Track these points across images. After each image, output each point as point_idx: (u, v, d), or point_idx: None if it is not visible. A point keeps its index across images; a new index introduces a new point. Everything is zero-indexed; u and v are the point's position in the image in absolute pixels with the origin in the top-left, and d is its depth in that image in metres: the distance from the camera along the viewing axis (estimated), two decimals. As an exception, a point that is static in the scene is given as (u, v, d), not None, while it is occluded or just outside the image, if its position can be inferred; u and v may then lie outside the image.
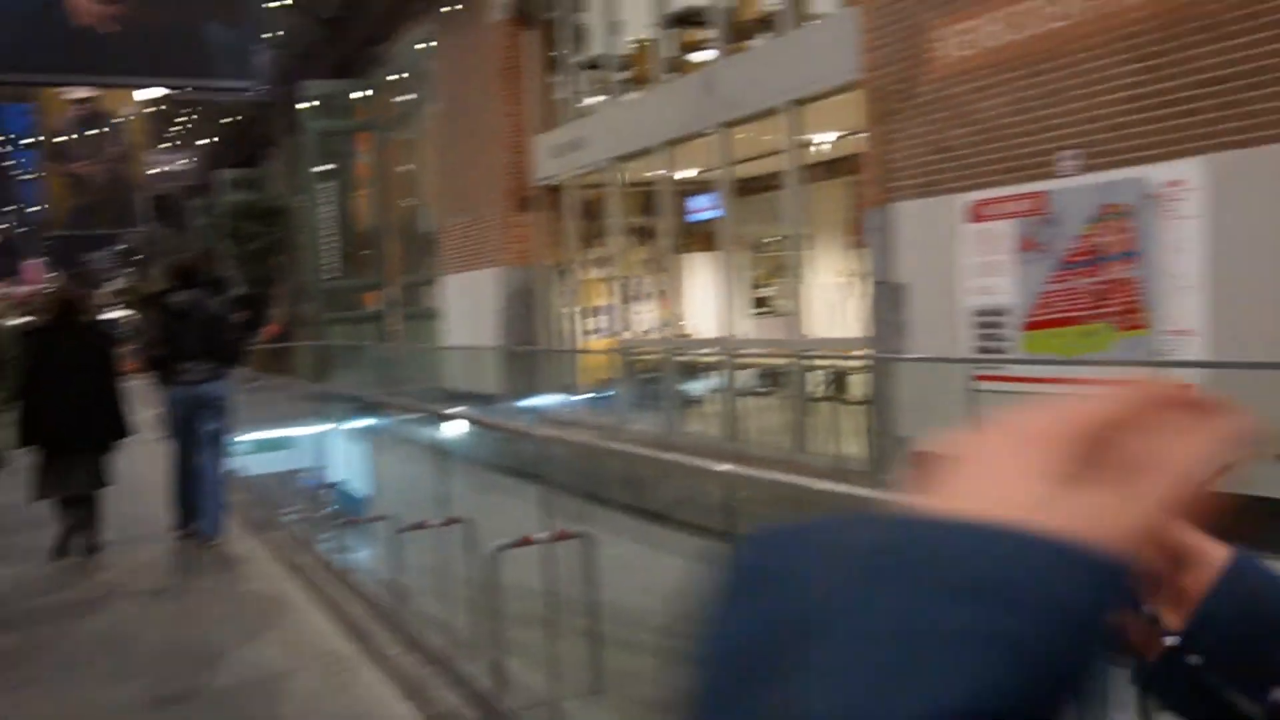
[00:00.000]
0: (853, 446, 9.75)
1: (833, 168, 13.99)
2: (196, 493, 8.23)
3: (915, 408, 8.62)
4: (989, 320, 7.93)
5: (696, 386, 12.78)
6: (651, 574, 6.27)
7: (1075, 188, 7.25)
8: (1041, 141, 7.46)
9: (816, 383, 12.22)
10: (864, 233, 9.31)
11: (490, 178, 15.45)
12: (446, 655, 5.79)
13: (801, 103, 10.25)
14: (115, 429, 8.23)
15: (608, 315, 16.85)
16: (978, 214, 7.95)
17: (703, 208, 17.05)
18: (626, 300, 13.79)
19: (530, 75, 15.15)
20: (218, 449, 8.41)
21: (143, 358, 8.36)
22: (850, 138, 12.22)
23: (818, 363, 11.21)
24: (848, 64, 9.43)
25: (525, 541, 5.43)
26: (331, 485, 9.91)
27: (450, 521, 6.55)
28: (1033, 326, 7.63)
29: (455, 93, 16.65)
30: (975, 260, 8.00)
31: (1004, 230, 7.75)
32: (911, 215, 8.55)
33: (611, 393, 13.96)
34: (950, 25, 8.11)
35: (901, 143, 8.62)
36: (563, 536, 5.46)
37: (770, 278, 17.57)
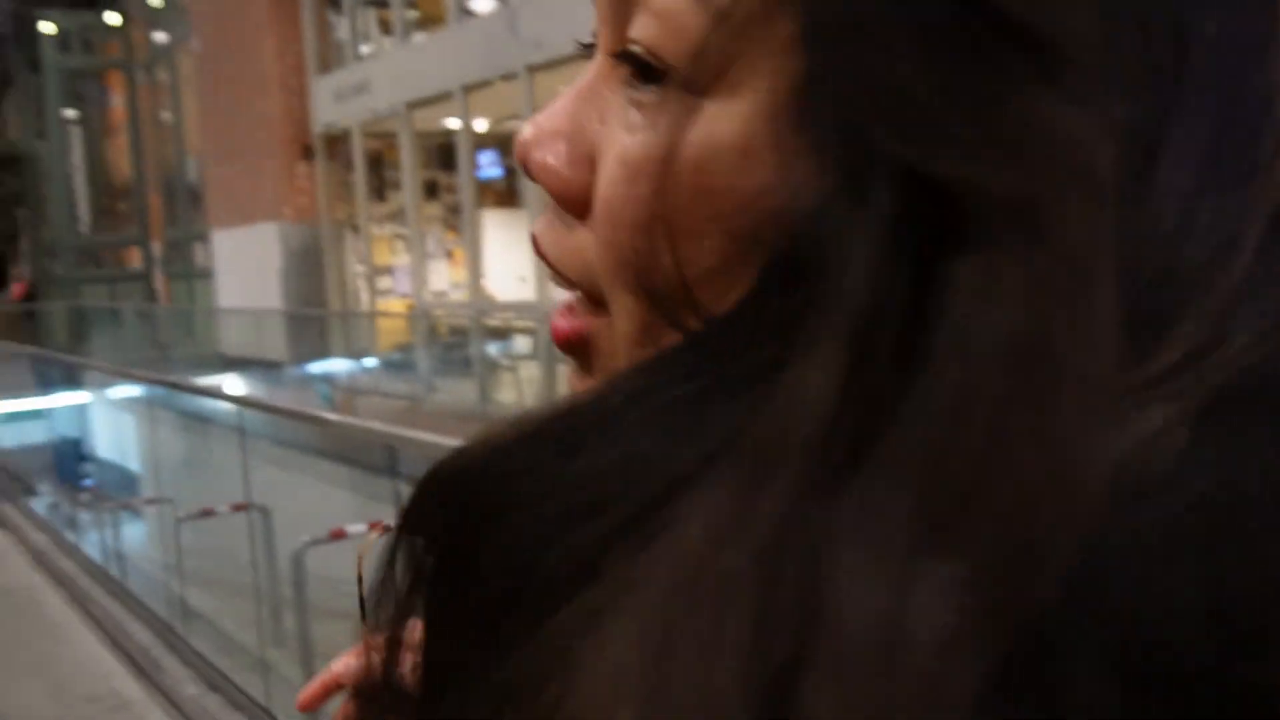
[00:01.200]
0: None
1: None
2: None
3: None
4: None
5: (506, 350, 11.98)
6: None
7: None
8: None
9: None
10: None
11: (264, 124, 14.10)
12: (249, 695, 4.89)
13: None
14: None
15: (403, 275, 15.82)
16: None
17: (490, 164, 16.15)
18: (422, 259, 12.81)
19: (306, 11, 13.83)
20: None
21: None
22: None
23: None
24: None
25: (337, 535, 4.60)
26: (88, 460, 8.84)
27: (240, 507, 5.64)
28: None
29: (219, 29, 15.12)
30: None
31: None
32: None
33: (407, 359, 13.02)
34: None
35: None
36: (380, 528, 4.65)
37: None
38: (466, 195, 11.65)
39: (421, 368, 12.32)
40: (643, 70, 0.33)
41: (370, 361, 13.58)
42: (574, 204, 0.36)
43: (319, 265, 14.05)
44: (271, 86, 13.80)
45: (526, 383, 11.34)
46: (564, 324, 0.38)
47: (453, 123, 14.29)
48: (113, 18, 18.12)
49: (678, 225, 0.32)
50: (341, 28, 14.05)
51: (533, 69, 10.41)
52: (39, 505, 8.65)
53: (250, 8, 14.04)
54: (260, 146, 14.20)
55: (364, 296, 14.67)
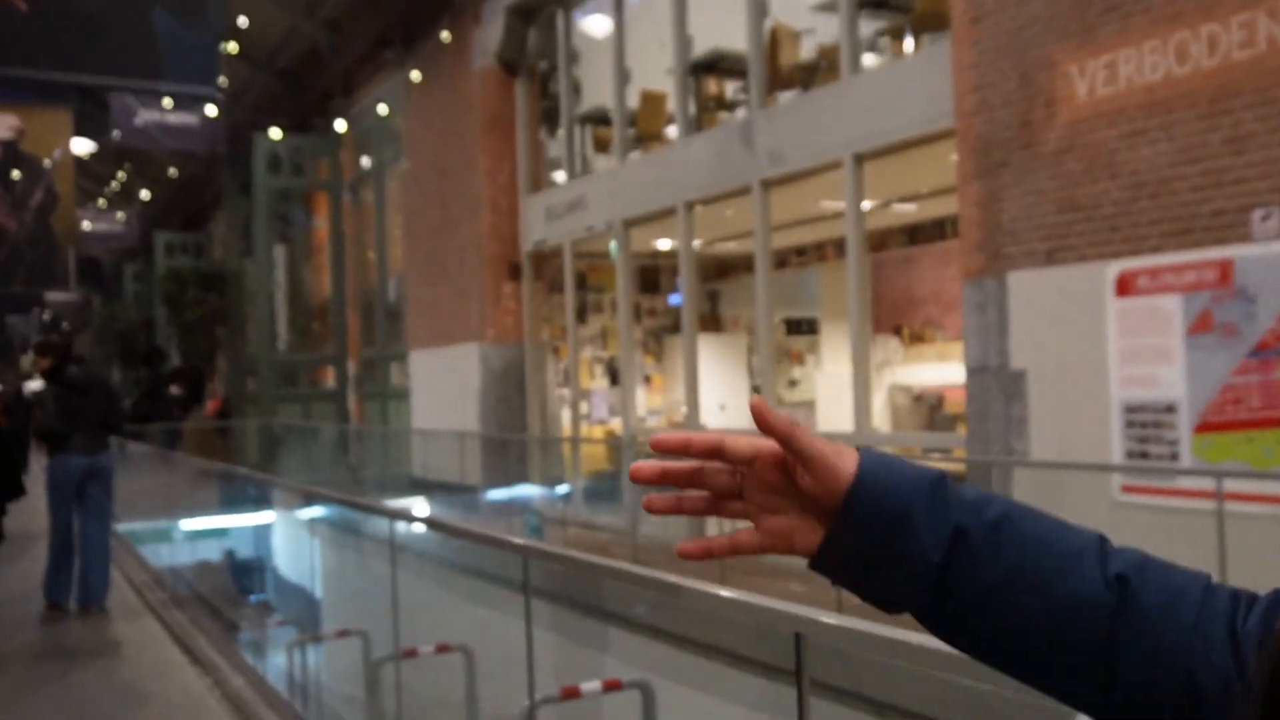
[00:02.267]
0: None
1: (883, 236, 12.60)
2: (86, 560, 8.02)
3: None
4: (1146, 419, 6.38)
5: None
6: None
7: (1276, 254, 5.77)
8: (1224, 197, 5.99)
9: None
10: (963, 309, 7.77)
11: (472, 244, 13.80)
12: None
13: (866, 157, 8.77)
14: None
15: (600, 400, 15.22)
16: (1131, 286, 6.44)
17: (677, 294, 15.57)
18: (633, 383, 12.14)
19: (520, 130, 13.60)
20: (104, 518, 8.30)
21: (40, 428, 8.36)
22: (917, 198, 10.85)
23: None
24: (931, 109, 7.98)
25: (569, 694, 3.80)
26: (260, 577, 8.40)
27: (444, 649, 5.10)
28: (1211, 428, 6.08)
29: (429, 150, 15.04)
30: (1127, 343, 6.47)
31: (1169, 307, 6.24)
32: (1033, 287, 7.03)
33: (611, 487, 12.27)
34: (1088, 59, 6.66)
35: (1017, 200, 7.12)
36: (614, 686, 3.86)
37: (783, 365, 16.08)
38: (687, 317, 10.94)
39: (627, 498, 11.52)
40: None
41: (566, 489, 12.89)
42: None
43: (519, 387, 13.52)
44: (482, 206, 13.52)
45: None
46: None
47: (662, 243, 13.78)
48: (322, 143, 18.40)
49: None
50: (555, 146, 13.76)
51: (768, 184, 9.75)
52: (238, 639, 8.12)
53: (464, 129, 13.89)
54: (466, 267, 13.89)
55: (564, 420, 14.07)
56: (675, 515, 0.91)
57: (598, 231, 12.12)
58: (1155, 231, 6.32)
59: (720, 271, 15.93)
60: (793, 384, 16.14)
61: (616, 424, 15.42)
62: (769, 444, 0.85)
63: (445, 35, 13.23)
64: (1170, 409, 6.24)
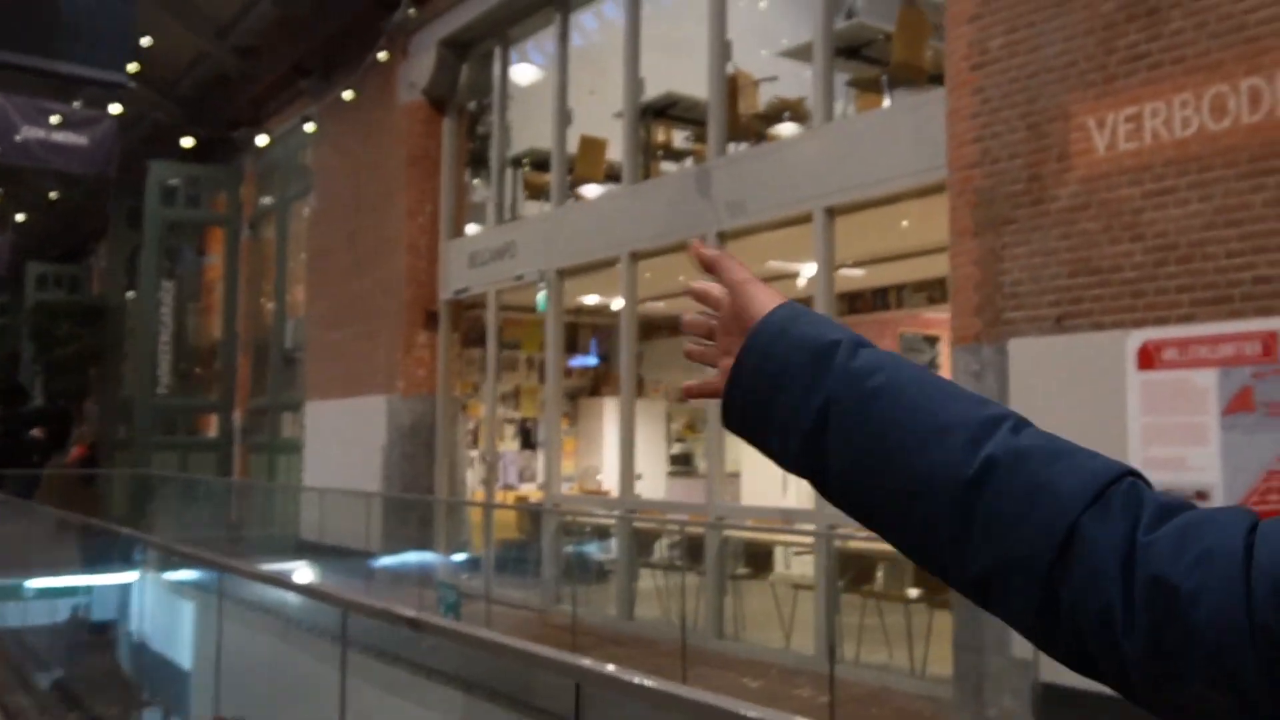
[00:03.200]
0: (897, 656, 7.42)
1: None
2: None
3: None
4: (1170, 504, 5.76)
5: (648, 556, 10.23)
6: None
7: (1330, 329, 5.24)
8: (1269, 263, 5.46)
9: (788, 561, 9.98)
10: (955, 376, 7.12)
11: (385, 287, 12.85)
12: None
13: (839, 211, 8.16)
14: None
15: (510, 464, 14.30)
16: (1156, 358, 5.86)
17: (586, 355, 14.86)
18: (556, 446, 11.26)
19: (444, 169, 12.76)
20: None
21: None
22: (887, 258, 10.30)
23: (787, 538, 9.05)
24: (917, 161, 7.41)
25: None
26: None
27: None
28: (1246, 517, 5.48)
29: (344, 186, 14.08)
30: (1151, 421, 5.87)
31: (1202, 382, 5.66)
32: (1039, 355, 6.42)
33: (526, 558, 11.33)
34: (1108, 110, 6.14)
35: (1022, 260, 6.54)
36: None
37: (690, 430, 15.35)
38: (626, 377, 10.13)
39: (547, 572, 10.60)
40: None
41: (471, 557, 11.90)
42: None
43: (428, 445, 12.52)
44: (399, 248, 12.61)
45: (668, 593, 9.59)
46: None
47: (589, 299, 13.00)
48: (224, 172, 17.28)
49: None
50: (480, 190, 12.95)
51: (725, 235, 9.08)
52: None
53: (384, 165, 12.99)
54: (378, 312, 12.91)
55: (470, 483, 13.11)
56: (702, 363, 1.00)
57: (529, 281, 11.30)
58: (1186, 299, 5.77)
59: (643, 333, 15.23)
60: (710, 455, 15.44)
61: (527, 489, 14.50)
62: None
63: (382, 55, 12.37)
64: (1202, 495, 5.63)
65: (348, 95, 12.73)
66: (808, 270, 11.13)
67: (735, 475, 13.54)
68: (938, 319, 14.34)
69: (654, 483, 13.77)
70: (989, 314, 6.68)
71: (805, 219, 8.30)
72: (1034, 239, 6.48)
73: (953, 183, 6.98)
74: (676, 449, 15.00)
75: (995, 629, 6.60)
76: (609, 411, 14.65)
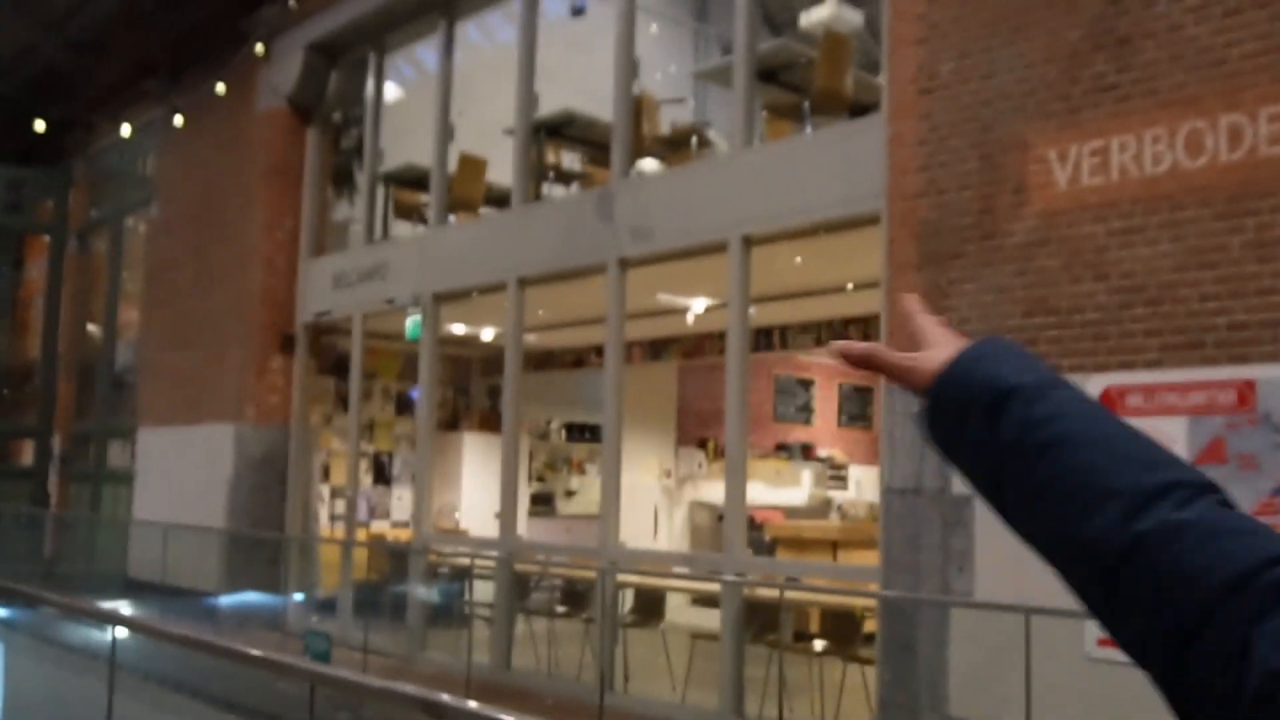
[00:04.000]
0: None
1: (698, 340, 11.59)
2: None
3: (978, 674, 5.96)
4: (1136, 560, 5.43)
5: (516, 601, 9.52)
6: None
7: (1313, 378, 4.99)
8: (1246, 309, 5.20)
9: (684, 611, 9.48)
10: (881, 419, 6.70)
11: (236, 306, 11.83)
12: None
13: (756, 241, 7.70)
14: None
15: (367, 499, 13.38)
16: (1119, 405, 5.53)
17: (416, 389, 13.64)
18: (426, 484, 10.44)
19: (307, 183, 11.86)
20: None
21: None
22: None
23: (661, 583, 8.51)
24: (847, 190, 7.02)
25: None
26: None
27: None
28: (1219, 575, 5.17)
29: (190, 197, 12.99)
30: (1115, 471, 5.53)
31: (1168, 430, 5.35)
32: (990, 399, 6.03)
33: (385, 602, 10.47)
34: (1071, 142, 5.84)
35: (970, 297, 6.18)
36: None
37: (550, 469, 14.69)
38: (510, 412, 9.44)
39: (413, 617, 9.77)
40: None
41: (330, 601, 10.96)
42: None
43: (281, 478, 11.52)
44: (254, 265, 11.62)
45: (550, 641, 8.93)
46: None
47: (456, 328, 12.28)
48: (50, 177, 15.86)
49: None
50: (345, 208, 12.09)
51: (627, 262, 8.54)
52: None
53: (239, 176, 12.00)
54: (227, 333, 11.87)
55: (323, 520, 12.17)
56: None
57: (400, 305, 10.50)
58: (1155, 344, 5.47)
59: (498, 367, 14.52)
60: (569, 494, 14.78)
61: (379, 527, 13.59)
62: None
63: (259, 48, 11.40)
64: (1172, 551, 5.31)
65: (219, 89, 11.72)
66: (698, 305, 10.70)
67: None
68: (815, 363, 14.12)
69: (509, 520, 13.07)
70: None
71: (719, 247, 7.81)
72: (985, 275, 6.12)
73: (894, 213, 6.59)
74: (536, 488, 14.29)
75: (928, 685, 6.18)
76: (469, 447, 13.87)
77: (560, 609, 9.36)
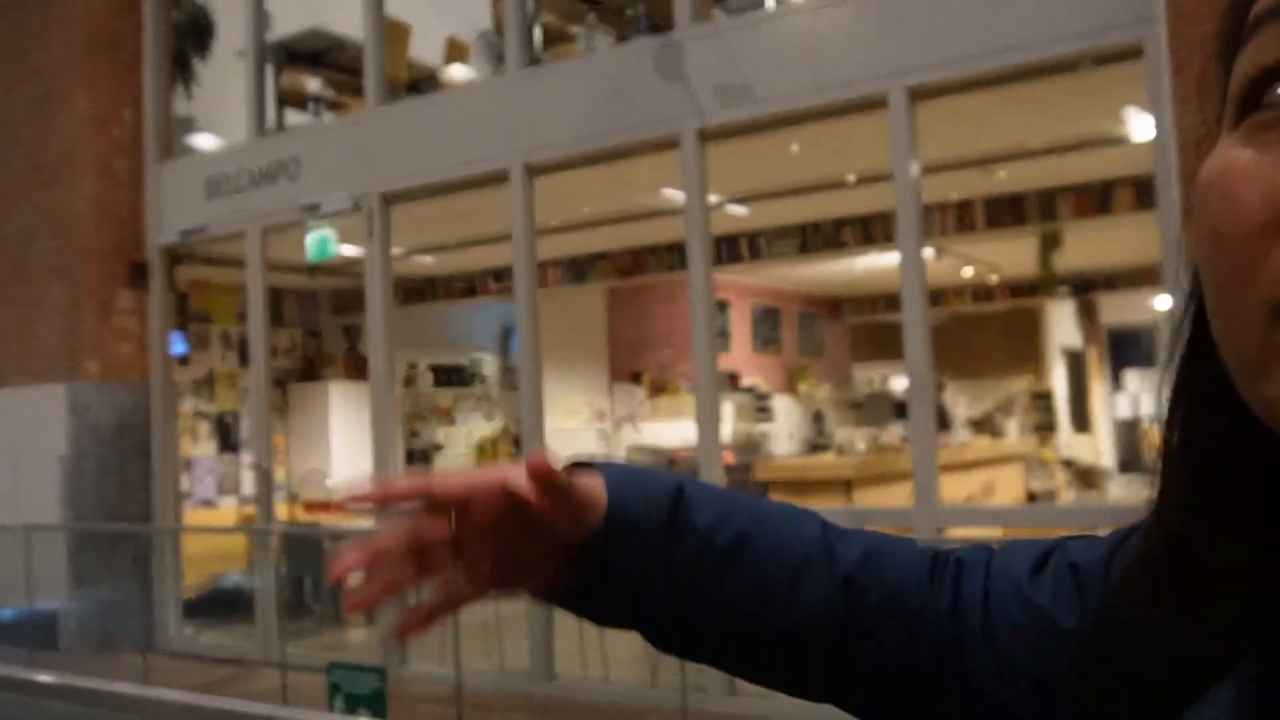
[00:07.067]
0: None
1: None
2: None
3: None
4: None
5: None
6: None
7: None
8: None
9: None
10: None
11: (54, 226, 8.87)
12: None
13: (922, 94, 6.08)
14: None
15: (213, 470, 10.76)
16: None
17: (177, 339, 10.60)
18: (239, 448, 8.11)
19: (148, 62, 9.04)
20: None
21: None
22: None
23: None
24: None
25: None
26: None
27: None
28: None
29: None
30: None
31: None
32: None
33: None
34: None
35: None
36: None
37: (418, 420, 12.43)
38: (379, 354, 7.33)
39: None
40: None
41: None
42: None
43: (143, 451, 8.78)
44: (78, 170, 8.73)
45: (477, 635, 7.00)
46: None
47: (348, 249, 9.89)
48: None
49: None
50: (198, 93, 9.38)
51: (706, 135, 6.71)
52: None
53: (50, 53, 8.99)
54: (44, 262, 8.90)
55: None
56: (387, 600, 0.73)
57: (329, 212, 8.07)
58: None
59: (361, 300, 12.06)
60: (437, 449, 12.56)
61: (228, 507, 10.96)
62: (484, 478, 0.74)
63: None
64: None
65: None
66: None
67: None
68: (729, 280, 12.58)
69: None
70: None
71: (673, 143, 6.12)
72: None
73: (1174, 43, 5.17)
74: (410, 443, 11.98)
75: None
76: (335, 398, 11.41)
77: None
